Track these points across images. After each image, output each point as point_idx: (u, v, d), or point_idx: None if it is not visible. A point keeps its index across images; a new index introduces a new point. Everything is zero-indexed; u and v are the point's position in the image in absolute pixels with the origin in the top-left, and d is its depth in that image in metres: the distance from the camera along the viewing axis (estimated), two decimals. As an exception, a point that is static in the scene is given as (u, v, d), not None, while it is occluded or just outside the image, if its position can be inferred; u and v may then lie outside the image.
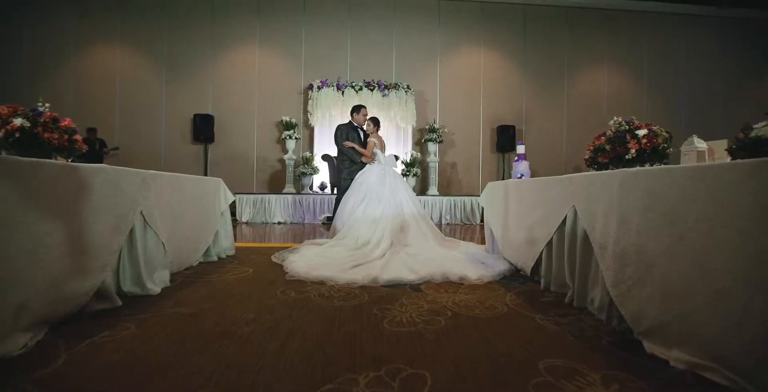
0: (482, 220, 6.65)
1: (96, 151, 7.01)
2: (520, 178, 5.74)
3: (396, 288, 2.10)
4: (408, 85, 7.66)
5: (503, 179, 8.17)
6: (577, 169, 8.58)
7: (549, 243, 2.03)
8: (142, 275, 1.81)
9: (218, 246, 2.84)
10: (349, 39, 7.97)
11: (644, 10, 8.49)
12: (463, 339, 1.39)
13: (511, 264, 2.58)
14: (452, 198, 6.24)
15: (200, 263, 2.64)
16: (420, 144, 8.02)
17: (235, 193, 6.42)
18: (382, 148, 4.07)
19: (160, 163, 7.83)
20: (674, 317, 1.18)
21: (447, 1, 8.12)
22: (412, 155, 7.15)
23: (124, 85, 7.77)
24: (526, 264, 2.31)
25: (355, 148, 4.02)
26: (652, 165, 2.12)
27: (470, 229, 5.72)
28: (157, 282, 1.94)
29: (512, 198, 2.56)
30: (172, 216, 2.19)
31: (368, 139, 4.00)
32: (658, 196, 1.28)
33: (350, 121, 4.13)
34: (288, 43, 7.89)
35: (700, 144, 1.79)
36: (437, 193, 7.38)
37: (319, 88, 7.44)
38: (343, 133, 4.02)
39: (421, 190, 7.60)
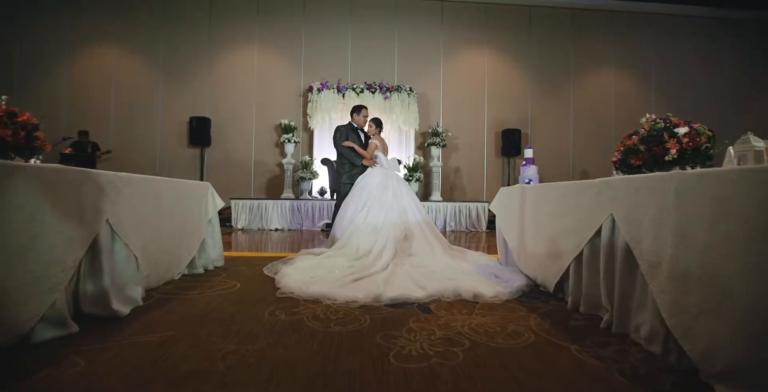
0: (488, 227, 6.42)
1: (88, 154, 6.78)
2: (529, 183, 5.48)
3: (402, 309, 1.83)
4: (410, 88, 7.44)
5: (509, 184, 7.92)
6: (584, 174, 8.33)
7: (578, 257, 1.77)
8: (107, 294, 1.55)
9: (205, 256, 2.58)
10: (350, 40, 7.77)
11: (652, 12, 8.30)
12: (488, 381, 1.12)
13: (528, 278, 2.32)
14: (457, 204, 5.98)
15: (183, 276, 2.38)
16: (423, 148, 7.78)
17: (230, 199, 6.19)
18: (385, 151, 3.83)
19: (155, 166, 7.60)
20: (765, 360, 0.92)
21: (450, 2, 7.93)
22: (414, 159, 6.91)
23: (119, 86, 7.56)
24: (548, 280, 2.05)
25: (354, 148, 3.76)
26: (693, 167, 1.86)
27: (476, 237, 5.45)
28: (126, 301, 1.68)
29: (530, 204, 2.30)
30: (148, 225, 1.94)
31: (369, 141, 3.76)
32: (731, 203, 1.02)
33: (350, 122, 3.89)
34: (287, 44, 7.70)
35: (757, 142, 1.54)
36: (440, 199, 7.12)
37: (318, 90, 7.22)
38: (342, 135, 3.77)
39: (424, 195, 7.34)
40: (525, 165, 5.84)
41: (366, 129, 3.88)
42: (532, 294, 2.13)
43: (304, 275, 2.41)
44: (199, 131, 7.23)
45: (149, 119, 7.60)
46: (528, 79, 8.16)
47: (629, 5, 8.17)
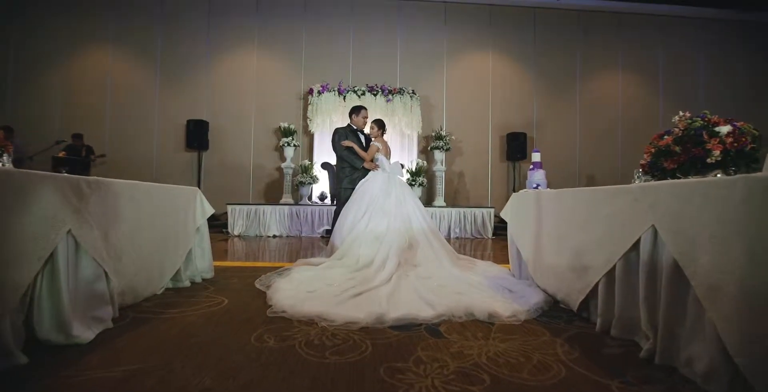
0: (495, 234, 6.19)
1: (82, 158, 6.60)
2: (536, 187, 5.26)
3: (409, 331, 1.61)
4: (413, 90, 7.26)
5: (514, 189, 7.70)
6: (591, 179, 8.11)
7: (609, 273, 1.55)
8: (66, 317, 1.34)
9: (192, 268, 2.37)
10: (352, 42, 7.62)
11: (660, 14, 8.12)
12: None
13: (546, 293, 2.10)
14: (462, 209, 5.76)
15: (167, 290, 2.16)
16: (426, 152, 7.58)
17: (226, 204, 5.99)
18: (388, 154, 3.63)
19: (151, 171, 7.43)
20: None
21: (453, 4, 7.78)
22: (417, 163, 6.70)
23: (115, 89, 7.40)
24: (571, 297, 1.83)
25: (354, 148, 3.56)
26: (736, 171, 1.65)
27: (482, 244, 5.23)
28: (92, 323, 1.46)
29: (548, 212, 2.08)
30: (124, 236, 1.73)
31: (371, 143, 3.56)
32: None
33: (349, 124, 3.70)
34: (287, 45, 7.54)
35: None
36: (444, 204, 6.91)
37: (319, 92, 7.05)
38: (341, 137, 3.57)
39: (427, 200, 7.13)
40: (532, 169, 5.63)
41: (367, 130, 3.68)
42: (553, 312, 1.90)
43: (299, 289, 2.20)
44: (197, 134, 7.05)
45: (145, 122, 7.44)
46: (533, 82, 7.97)
47: (636, 7, 8.00)
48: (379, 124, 3.60)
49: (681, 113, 1.85)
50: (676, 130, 1.79)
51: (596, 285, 1.62)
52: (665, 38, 8.20)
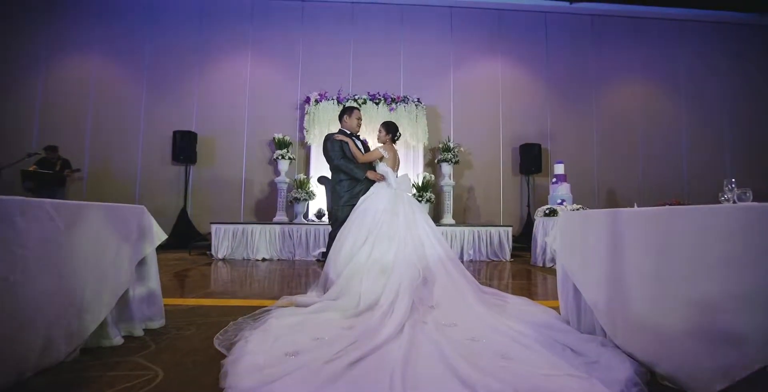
0: (512, 255, 5.45)
1: (55, 172, 6.00)
2: (561, 204, 4.60)
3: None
4: (418, 98, 6.73)
5: (528, 205, 7.06)
6: (611, 195, 7.49)
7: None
8: None
9: (126, 317, 1.71)
10: (352, 47, 7.14)
11: (678, 18, 7.67)
12: None
13: (633, 358, 1.43)
14: (476, 229, 5.11)
15: (83, 353, 1.51)
16: (432, 165, 6.99)
17: (210, 223, 5.35)
18: (395, 165, 3.01)
19: (134, 186, 6.84)
20: None
21: (460, 8, 7.35)
22: (424, 177, 6.09)
23: (98, 98, 6.89)
24: (698, 378, 1.16)
25: (350, 147, 2.95)
26: None
27: (499, 268, 4.56)
28: None
29: (635, 241, 1.44)
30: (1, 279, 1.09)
31: (376, 148, 2.95)
32: None
33: (341, 130, 3.10)
34: (283, 52, 7.07)
35: None
36: (453, 222, 6.27)
37: (317, 101, 6.51)
38: (335, 145, 2.96)
39: (435, 218, 6.48)
40: (555, 182, 5.00)
41: (364, 136, 3.09)
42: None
43: (273, 350, 1.54)
44: (184, 147, 6.48)
45: (130, 134, 6.89)
46: (546, 90, 7.45)
47: (653, 11, 7.55)
48: (389, 128, 2.99)
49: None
50: None
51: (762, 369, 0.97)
52: (685, 43, 7.72)
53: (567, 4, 7.30)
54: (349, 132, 3.06)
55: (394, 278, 2.25)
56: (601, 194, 7.45)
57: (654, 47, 7.66)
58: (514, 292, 2.91)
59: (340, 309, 2.09)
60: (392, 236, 2.46)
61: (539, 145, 7.00)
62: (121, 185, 6.78)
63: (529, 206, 7.04)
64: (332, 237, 2.76)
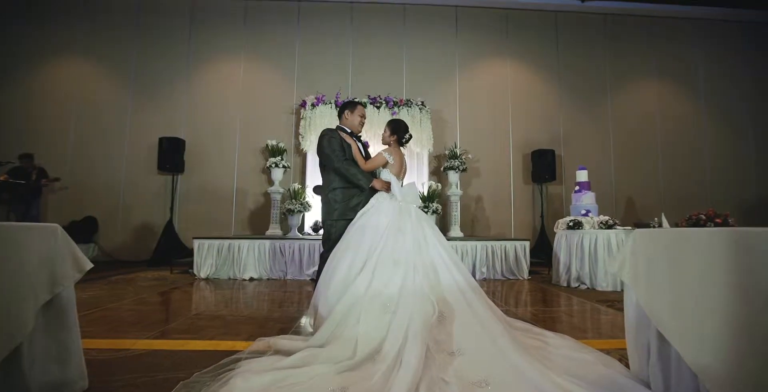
0: (531, 273, 4.86)
1: (29, 182, 5.54)
2: (586, 215, 4.06)
3: None
4: (422, 102, 6.28)
5: (542, 215, 6.54)
6: (630, 203, 6.97)
7: None
8: None
9: (15, 385, 1.19)
10: (351, 48, 6.73)
11: (695, 17, 7.26)
12: None
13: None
14: (488, 243, 4.58)
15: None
16: (437, 173, 6.51)
17: (192, 238, 4.83)
18: (402, 172, 2.51)
19: (118, 196, 6.37)
20: None
21: (466, 8, 6.95)
22: (430, 187, 5.60)
23: (82, 103, 6.47)
24: None
25: (354, 154, 2.47)
26: None
27: (516, 287, 4.02)
28: None
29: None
30: None
31: (380, 152, 2.46)
32: None
33: (338, 126, 2.60)
34: (279, 53, 6.67)
35: None
36: (461, 235, 5.75)
37: (313, 105, 6.07)
38: (335, 143, 2.46)
39: (440, 231, 5.96)
40: (579, 191, 4.47)
41: (359, 132, 2.60)
42: None
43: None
44: (171, 155, 6.01)
45: (115, 141, 6.45)
46: (558, 93, 7.00)
47: (669, 9, 7.14)
48: (395, 127, 2.49)
49: None
50: None
51: None
52: (702, 43, 7.29)
53: (578, 2, 6.91)
54: (349, 130, 2.57)
55: (402, 315, 1.73)
56: (619, 203, 6.94)
57: (670, 47, 7.24)
58: (547, 324, 2.39)
59: (331, 360, 1.57)
60: (398, 260, 1.95)
61: (553, 151, 6.52)
62: (103, 195, 6.31)
63: (542, 217, 6.52)
64: (324, 259, 2.24)
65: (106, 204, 6.30)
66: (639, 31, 7.20)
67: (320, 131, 4.91)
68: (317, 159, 2.63)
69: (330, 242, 2.33)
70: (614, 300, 3.27)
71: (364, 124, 2.63)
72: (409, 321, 1.71)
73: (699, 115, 7.21)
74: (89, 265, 1.43)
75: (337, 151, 2.43)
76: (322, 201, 2.54)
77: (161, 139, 6.02)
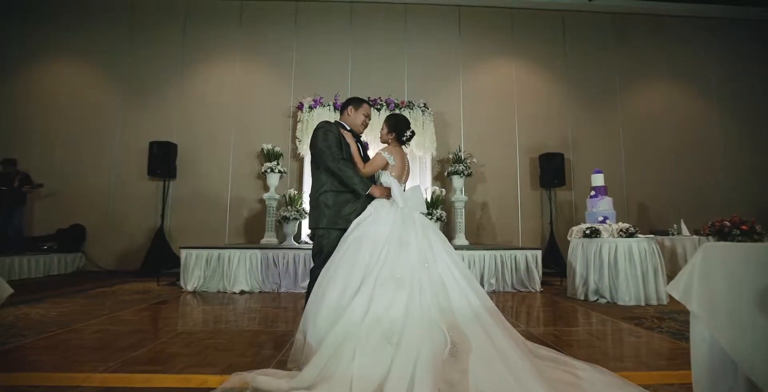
0: (543, 284, 4.50)
1: (11, 188, 5.26)
2: (604, 222, 3.73)
3: None
4: (425, 104, 6.01)
5: (551, 222, 6.21)
6: (642, 207, 6.64)
7: None
8: None
9: None
10: (351, 49, 6.49)
11: (707, 16, 7.00)
12: None
13: None
14: (498, 252, 4.26)
15: None
16: (441, 178, 6.21)
17: (180, 248, 4.51)
18: (404, 174, 2.21)
19: (107, 203, 6.08)
20: None
21: (469, 7, 6.71)
22: (434, 192, 5.30)
23: (71, 106, 6.22)
24: None
25: (353, 154, 2.16)
26: None
27: (528, 301, 3.69)
28: None
29: None
30: None
31: (378, 153, 2.16)
32: None
33: (338, 121, 2.30)
34: (275, 55, 6.42)
35: None
36: (466, 243, 5.43)
37: (310, 107, 5.81)
38: (331, 138, 2.12)
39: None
40: (595, 196, 4.15)
41: (361, 131, 2.30)
42: None
43: None
44: (162, 159, 5.73)
45: (105, 146, 6.18)
46: (566, 94, 6.73)
47: (679, 8, 6.88)
48: (392, 123, 2.20)
49: None
50: None
51: None
52: (716, 42, 7.02)
53: (586, 0, 6.66)
54: (349, 129, 2.27)
55: (407, 349, 1.42)
56: (631, 209, 6.61)
57: (681, 46, 6.97)
58: (573, 350, 2.07)
59: (319, 409, 1.26)
60: (401, 278, 1.64)
61: (561, 155, 6.22)
62: (92, 202, 6.02)
63: (551, 224, 6.20)
64: (315, 276, 1.93)
65: (95, 211, 6.02)
66: (649, 30, 6.95)
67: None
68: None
69: (322, 256, 2.01)
70: (641, 317, 2.94)
71: (367, 124, 2.31)
72: (417, 357, 1.39)
73: (711, 115, 6.92)
74: (9, 291, 1.13)
75: (333, 147, 2.10)
76: (311, 205, 2.21)
77: (152, 144, 5.75)
